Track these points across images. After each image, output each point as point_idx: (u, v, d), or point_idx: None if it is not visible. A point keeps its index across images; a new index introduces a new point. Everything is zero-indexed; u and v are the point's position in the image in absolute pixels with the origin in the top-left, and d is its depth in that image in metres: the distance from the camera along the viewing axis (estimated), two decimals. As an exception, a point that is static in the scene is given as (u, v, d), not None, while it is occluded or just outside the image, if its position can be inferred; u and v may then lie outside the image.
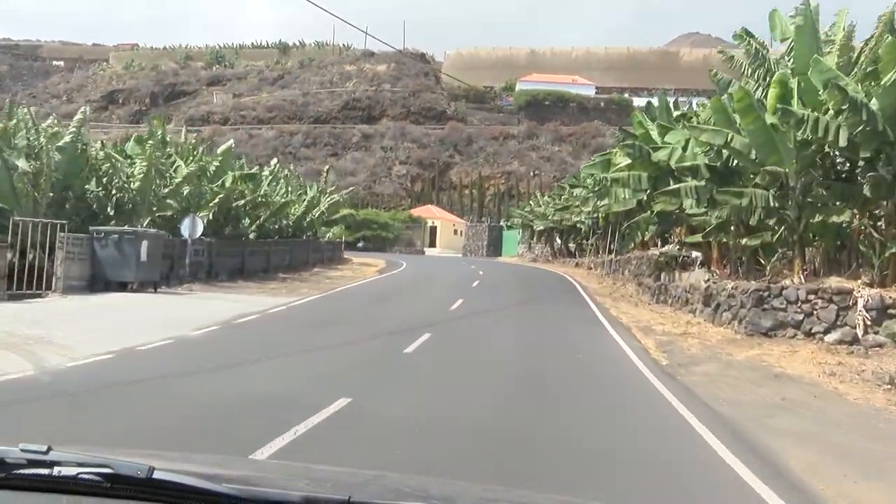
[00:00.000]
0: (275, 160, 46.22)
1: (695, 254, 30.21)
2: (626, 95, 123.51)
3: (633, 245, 31.38)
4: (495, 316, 23.40)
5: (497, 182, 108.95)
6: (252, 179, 33.09)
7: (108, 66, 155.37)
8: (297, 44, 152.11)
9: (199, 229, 27.11)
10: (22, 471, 2.02)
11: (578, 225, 49.87)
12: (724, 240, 24.81)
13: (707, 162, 21.96)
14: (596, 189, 37.40)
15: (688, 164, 22.53)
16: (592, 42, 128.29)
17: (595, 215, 42.42)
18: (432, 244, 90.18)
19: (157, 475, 1.96)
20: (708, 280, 24.24)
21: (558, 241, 61.70)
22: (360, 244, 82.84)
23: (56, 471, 2.00)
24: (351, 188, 75.14)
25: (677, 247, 32.07)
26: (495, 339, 18.05)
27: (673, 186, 23.21)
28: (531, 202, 65.99)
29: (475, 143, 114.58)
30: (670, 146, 24.13)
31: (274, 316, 20.36)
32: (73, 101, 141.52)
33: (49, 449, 2.05)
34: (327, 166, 59.95)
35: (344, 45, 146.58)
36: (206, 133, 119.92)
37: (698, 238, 24.83)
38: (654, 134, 28.06)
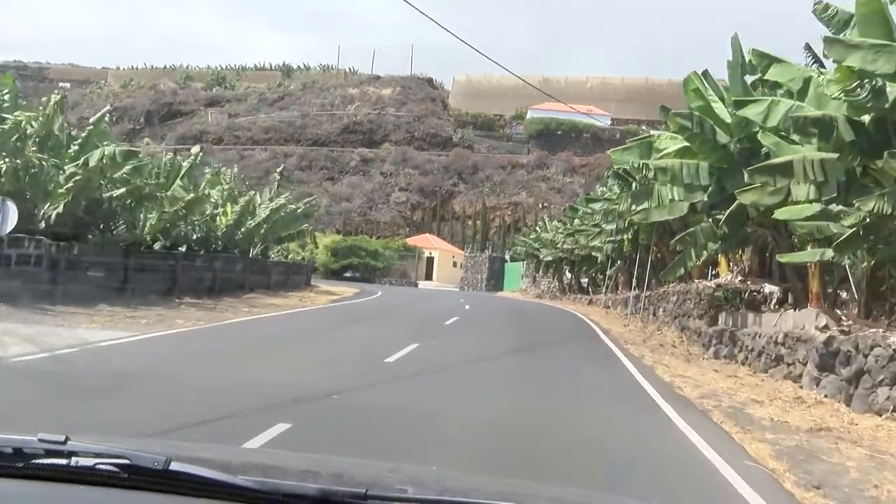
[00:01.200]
0: (197, 147, 36.18)
1: (769, 288, 19.99)
2: (644, 127, 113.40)
3: (682, 270, 20.95)
4: (463, 378, 13.14)
5: (503, 213, 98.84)
6: (130, 159, 22.45)
7: (105, 84, 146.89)
8: (302, 67, 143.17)
9: (10, 222, 16.85)
10: (40, 460, 1.99)
11: (594, 253, 39.73)
12: (848, 260, 14.67)
13: (848, 115, 11.73)
14: (624, 192, 27.06)
15: (809, 113, 12.19)
16: (608, 72, 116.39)
17: (617, 238, 32.21)
18: (429, 276, 79.91)
19: (173, 466, 1.92)
20: (826, 327, 13.97)
21: (568, 274, 51.49)
22: (347, 273, 72.71)
23: (74, 461, 1.97)
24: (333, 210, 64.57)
25: (737, 277, 21.93)
26: (441, 446, 7.95)
27: (780, 159, 12.90)
28: (537, 228, 55.83)
29: (481, 171, 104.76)
30: (765, 101, 13.74)
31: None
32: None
33: (67, 439, 2.01)
34: (281, 166, 49.27)
35: (350, 69, 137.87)
36: (193, 151, 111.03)
37: (811, 255, 14.55)
38: (721, 108, 17.93)
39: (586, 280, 49.17)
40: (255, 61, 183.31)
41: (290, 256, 53.46)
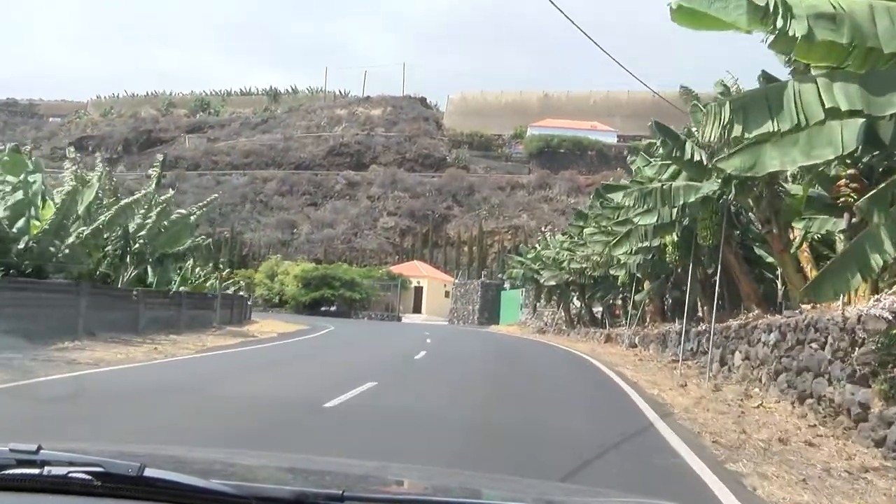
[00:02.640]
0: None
1: None
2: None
3: (853, 282, 9.21)
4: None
5: (502, 237, 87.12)
6: None
7: (85, 114, 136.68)
8: (290, 90, 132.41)
9: None
10: (11, 471, 1.91)
11: (613, 272, 27.95)
12: None
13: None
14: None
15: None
16: (613, 86, 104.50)
17: (652, 244, 20.46)
18: (417, 309, 68.13)
19: (147, 473, 1.86)
20: None
21: (576, 302, 39.76)
22: (323, 307, 61.01)
23: (46, 470, 1.90)
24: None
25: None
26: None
27: None
28: (537, 245, 43.97)
29: (478, 192, 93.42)
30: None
31: None
32: (38, 147, 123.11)
33: (39, 448, 1.94)
34: (160, 155, 37.39)
35: (340, 91, 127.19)
36: (167, 179, 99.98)
37: None
38: None
39: (600, 309, 37.45)
40: (241, 86, 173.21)
41: (235, 289, 42.11)
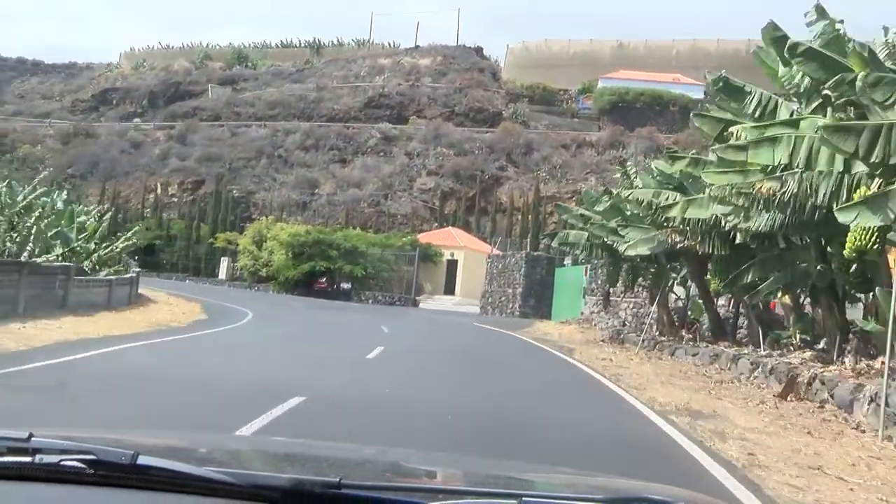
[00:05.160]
0: None
1: None
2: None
3: None
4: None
5: (566, 203, 68.45)
6: None
7: (116, 66, 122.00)
8: (335, 42, 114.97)
9: None
10: (1, 458, 1.80)
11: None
12: None
13: None
14: None
15: None
16: (700, 34, 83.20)
17: None
18: (450, 289, 50.38)
19: (141, 461, 1.75)
20: None
21: (677, 290, 21.55)
22: (333, 286, 43.82)
23: (38, 458, 1.79)
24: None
25: None
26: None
27: None
28: (613, 189, 24.47)
29: (537, 150, 75.06)
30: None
31: None
32: (59, 101, 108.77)
33: (31, 436, 1.83)
34: None
35: (389, 43, 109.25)
36: (176, 130, 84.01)
37: None
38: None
39: (733, 308, 19.31)
40: (282, 37, 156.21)
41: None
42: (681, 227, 16.78)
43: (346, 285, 45.75)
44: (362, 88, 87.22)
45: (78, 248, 24.26)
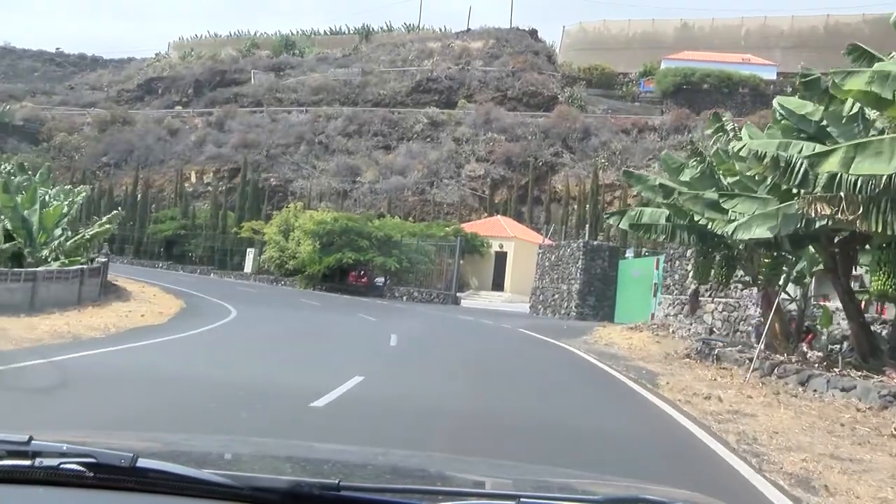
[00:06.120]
0: None
1: None
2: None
3: None
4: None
5: (626, 192, 61.76)
6: None
7: (163, 56, 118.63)
8: (384, 28, 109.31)
9: None
10: (1, 462, 1.75)
11: None
12: None
13: None
14: None
15: None
16: (772, 11, 75.10)
17: None
18: (498, 284, 44.35)
19: (140, 463, 1.72)
20: None
21: (791, 290, 15.30)
22: (379, 280, 38.21)
23: (37, 462, 1.74)
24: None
25: None
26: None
27: None
28: (704, 148, 18.03)
29: (595, 135, 68.57)
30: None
31: None
32: (106, 91, 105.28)
33: (31, 439, 1.79)
34: None
35: (441, 28, 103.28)
36: (214, 116, 79.36)
37: None
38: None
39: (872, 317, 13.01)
40: (331, 25, 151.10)
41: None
42: (830, 194, 10.54)
43: (380, 280, 40.10)
44: (410, 73, 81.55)
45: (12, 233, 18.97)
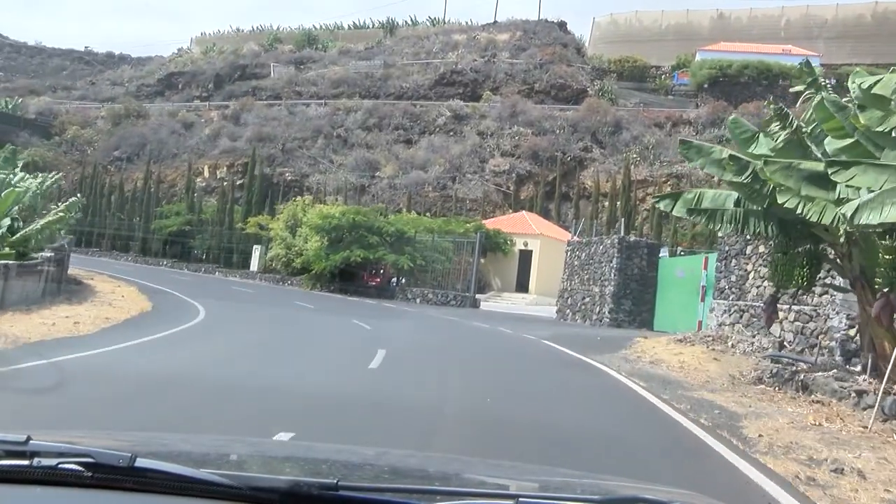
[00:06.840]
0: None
1: None
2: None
3: None
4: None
5: (660, 188, 57.30)
6: None
7: (185, 51, 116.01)
8: (409, 21, 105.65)
9: None
10: (0, 462, 1.74)
11: None
12: None
13: None
14: None
15: None
16: (815, 0, 69.87)
17: None
18: (522, 285, 40.27)
19: (139, 463, 1.70)
20: None
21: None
22: (394, 280, 34.43)
23: (35, 461, 1.72)
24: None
25: None
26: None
27: None
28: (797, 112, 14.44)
29: (626, 129, 64.28)
30: None
31: None
32: (126, 86, 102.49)
33: (28, 439, 1.77)
34: None
35: (467, 22, 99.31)
36: (230, 109, 75.95)
37: None
38: None
39: None
40: (355, 19, 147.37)
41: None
42: None
43: (396, 279, 36.26)
44: (433, 65, 77.70)
45: None
